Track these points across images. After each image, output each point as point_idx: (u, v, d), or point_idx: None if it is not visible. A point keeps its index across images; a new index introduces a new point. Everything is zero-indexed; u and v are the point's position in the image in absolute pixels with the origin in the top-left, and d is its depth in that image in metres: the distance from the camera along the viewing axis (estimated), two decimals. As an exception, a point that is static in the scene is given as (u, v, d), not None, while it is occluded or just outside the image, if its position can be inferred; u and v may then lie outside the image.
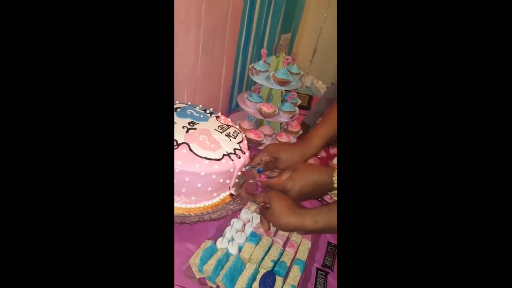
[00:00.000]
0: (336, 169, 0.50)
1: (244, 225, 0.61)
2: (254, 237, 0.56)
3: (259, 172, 0.60)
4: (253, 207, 0.64)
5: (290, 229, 0.48)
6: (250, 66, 0.86)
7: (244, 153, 0.59)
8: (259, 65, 0.85)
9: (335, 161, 0.85)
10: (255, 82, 0.89)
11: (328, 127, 0.62)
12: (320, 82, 1.50)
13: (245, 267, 0.51)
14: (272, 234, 0.60)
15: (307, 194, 0.53)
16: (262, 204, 0.52)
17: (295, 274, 0.52)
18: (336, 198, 0.51)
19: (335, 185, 0.50)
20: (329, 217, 0.44)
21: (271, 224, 0.51)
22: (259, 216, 0.62)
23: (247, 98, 0.91)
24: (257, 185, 0.70)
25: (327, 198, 0.70)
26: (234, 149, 0.59)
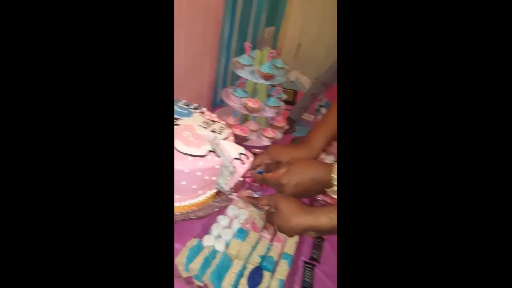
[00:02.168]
0: (334, 166, 0.48)
1: (231, 221, 0.60)
2: (242, 233, 0.56)
3: (260, 173, 0.59)
4: (240, 203, 0.63)
5: (303, 229, 0.45)
6: (234, 60, 0.85)
7: (248, 158, 0.57)
8: (243, 59, 0.83)
9: (331, 157, 0.85)
10: (240, 77, 0.88)
11: (327, 126, 0.60)
12: (306, 77, 1.50)
13: (232, 264, 0.50)
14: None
15: (303, 191, 0.51)
16: (266, 208, 0.49)
17: (283, 268, 0.52)
18: (334, 196, 0.49)
19: (334, 182, 0.47)
20: None
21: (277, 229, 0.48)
22: (246, 212, 0.61)
23: (231, 93, 0.89)
24: (244, 182, 0.69)
25: (320, 197, 0.69)
26: (240, 154, 0.56)
